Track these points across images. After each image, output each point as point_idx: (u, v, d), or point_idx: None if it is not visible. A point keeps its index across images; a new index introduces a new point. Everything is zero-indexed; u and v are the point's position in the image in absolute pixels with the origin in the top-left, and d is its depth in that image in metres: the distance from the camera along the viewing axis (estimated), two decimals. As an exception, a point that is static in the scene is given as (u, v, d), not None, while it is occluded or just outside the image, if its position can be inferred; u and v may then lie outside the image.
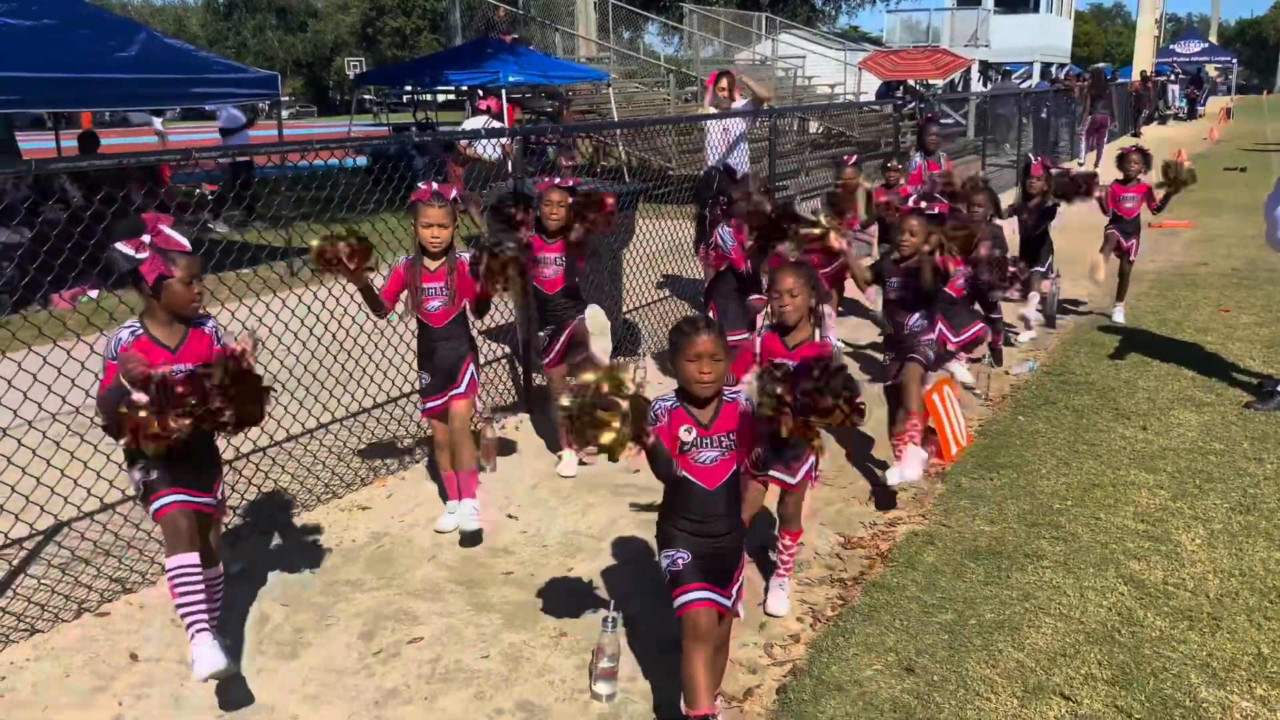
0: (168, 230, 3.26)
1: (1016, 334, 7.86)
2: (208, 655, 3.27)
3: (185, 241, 3.27)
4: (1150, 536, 4.57)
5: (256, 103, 15.09)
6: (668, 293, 9.04)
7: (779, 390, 2.88)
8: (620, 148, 17.94)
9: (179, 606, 3.30)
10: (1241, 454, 5.48)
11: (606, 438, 2.65)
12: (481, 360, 6.73)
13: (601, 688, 3.52)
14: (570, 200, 5.26)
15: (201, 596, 3.31)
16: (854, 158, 7.90)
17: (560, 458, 5.55)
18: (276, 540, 4.75)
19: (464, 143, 10.54)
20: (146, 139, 26.88)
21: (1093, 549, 4.47)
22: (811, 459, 3.95)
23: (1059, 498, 5.01)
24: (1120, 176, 8.12)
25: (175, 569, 3.30)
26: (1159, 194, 7.99)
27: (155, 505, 3.35)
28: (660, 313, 8.42)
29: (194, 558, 3.33)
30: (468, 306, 4.64)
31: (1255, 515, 4.75)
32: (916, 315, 5.12)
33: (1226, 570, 4.25)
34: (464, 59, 17.23)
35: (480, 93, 18.24)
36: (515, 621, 4.02)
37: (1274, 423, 5.91)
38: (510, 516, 4.97)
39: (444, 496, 4.95)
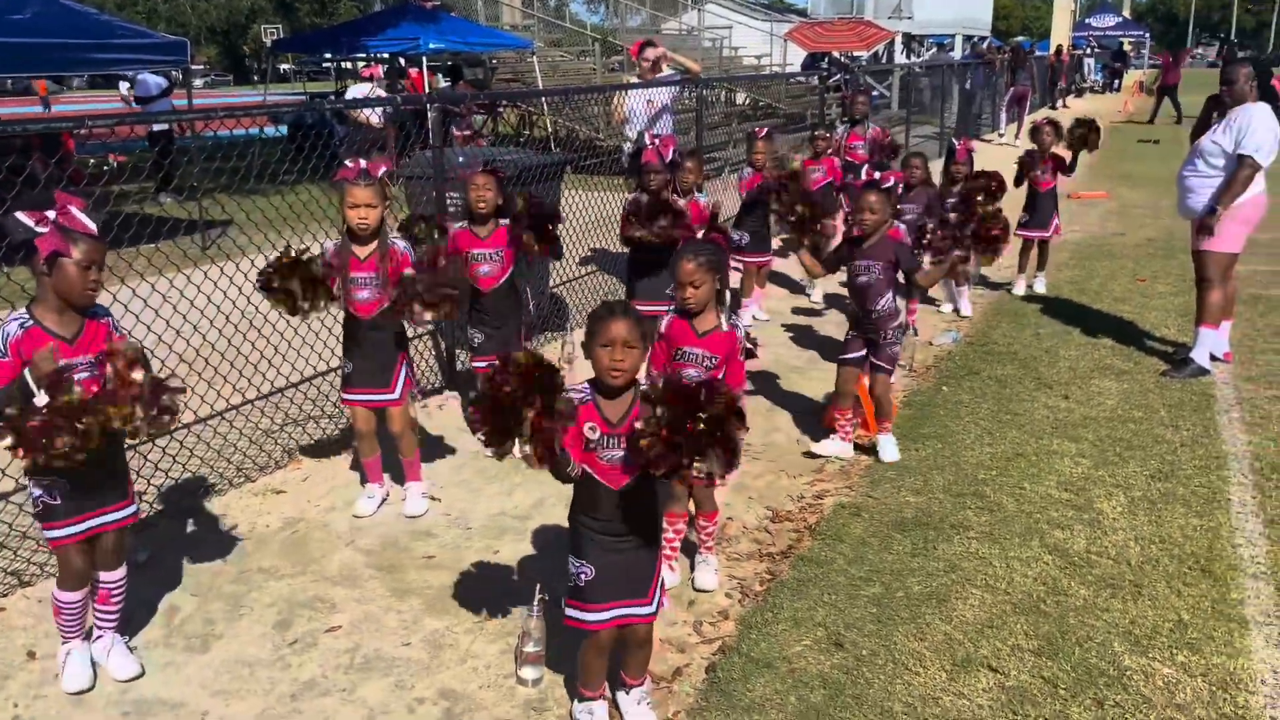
0: (76, 212, 3.08)
1: (938, 305, 7.96)
2: (76, 673, 3.37)
3: (92, 226, 3.09)
4: (1073, 505, 4.61)
5: (170, 70, 14.47)
6: (595, 267, 8.90)
7: (655, 423, 2.66)
8: (547, 117, 17.68)
9: (58, 627, 3.40)
10: (1159, 421, 5.57)
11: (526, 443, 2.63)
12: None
13: (527, 673, 3.42)
14: (497, 181, 4.97)
15: (79, 621, 3.38)
16: (765, 130, 7.71)
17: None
18: (186, 527, 4.54)
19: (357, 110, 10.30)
20: (51, 107, 25.76)
21: (1017, 519, 4.49)
22: None
23: (984, 468, 5.03)
24: (1033, 147, 8.19)
25: (62, 603, 3.34)
26: (1067, 154, 8.07)
27: (51, 535, 3.24)
28: (589, 287, 8.30)
29: (81, 594, 3.35)
30: None
31: (1173, 482, 4.82)
32: (885, 298, 4.95)
33: (1147, 537, 4.30)
34: (383, 25, 16.79)
35: (367, 60, 17.89)
36: (437, 607, 3.90)
37: (1190, 390, 6.03)
38: (432, 499, 4.83)
39: (363, 480, 4.78)
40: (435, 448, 5.38)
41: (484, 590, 3.99)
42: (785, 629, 3.70)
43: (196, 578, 4.12)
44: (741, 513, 4.64)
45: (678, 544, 4.03)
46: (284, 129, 16.85)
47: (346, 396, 4.54)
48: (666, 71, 8.78)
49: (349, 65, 24.57)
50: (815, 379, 6.35)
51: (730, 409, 2.67)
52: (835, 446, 5.17)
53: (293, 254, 4.18)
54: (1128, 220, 11.90)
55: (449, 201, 6.18)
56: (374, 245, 4.24)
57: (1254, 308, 7.79)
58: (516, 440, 2.66)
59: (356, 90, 15.70)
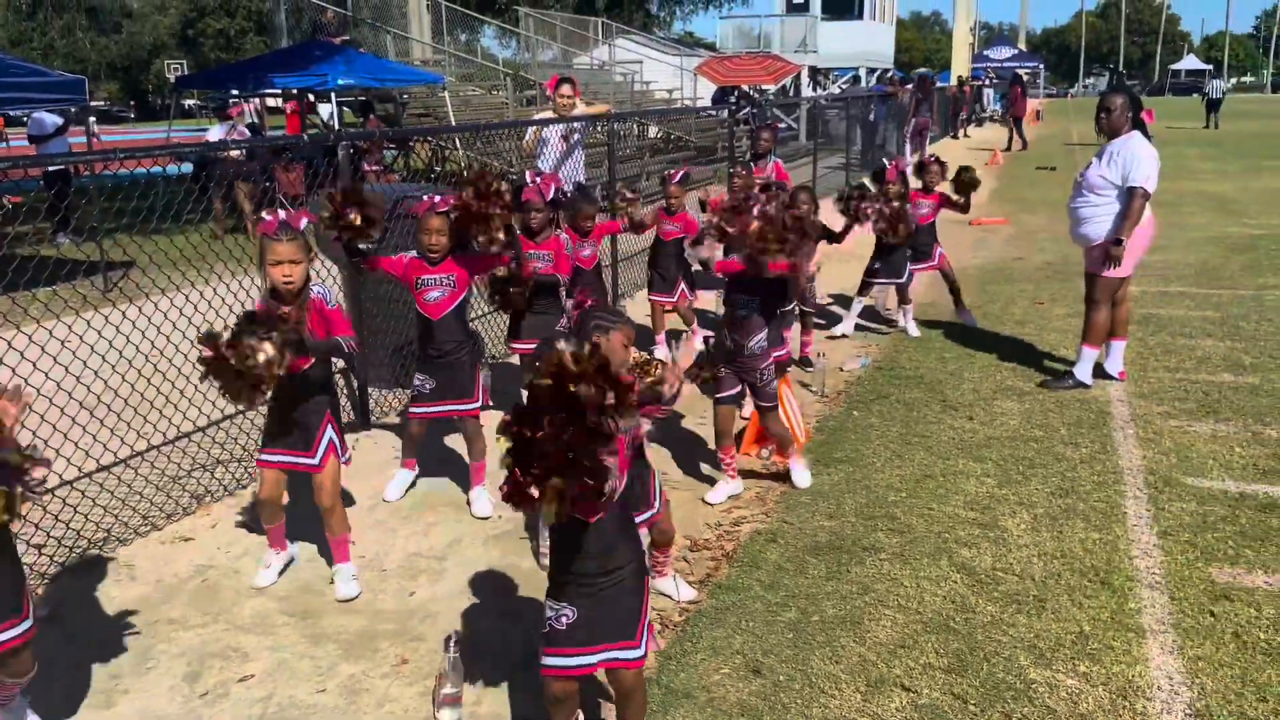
0: None
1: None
2: None
3: None
4: (979, 524, 4.75)
5: (67, 108, 14.08)
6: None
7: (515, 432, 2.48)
8: (460, 152, 17.65)
9: None
10: (1059, 439, 5.78)
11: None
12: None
13: (445, 715, 3.39)
14: (450, 221, 4.73)
15: None
16: (679, 174, 7.55)
17: (395, 476, 5.27)
18: (89, 579, 4.40)
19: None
20: (-60, 147, 24.87)
21: (927, 539, 4.61)
22: (657, 479, 3.91)
23: (894, 490, 5.16)
24: (919, 185, 8.22)
25: None
26: (957, 198, 8.08)
27: None
28: (502, 320, 8.28)
29: None
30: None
31: (1073, 498, 5.00)
32: (760, 335, 4.92)
33: (1050, 553, 4.45)
34: (291, 61, 16.59)
35: (234, 99, 17.72)
36: (353, 651, 3.84)
37: (1088, 409, 6.27)
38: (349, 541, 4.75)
39: (267, 543, 4.41)
40: (350, 487, 5.29)
41: (400, 632, 3.95)
42: (704, 658, 3.73)
43: (101, 631, 3.98)
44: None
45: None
46: (189, 167, 16.52)
47: (261, 457, 4.17)
48: (580, 109, 8.86)
49: (257, 102, 24.21)
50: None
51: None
52: (726, 489, 5.14)
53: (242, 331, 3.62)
54: (1027, 245, 12.34)
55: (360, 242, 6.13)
56: (297, 302, 3.98)
57: (1145, 327, 8.13)
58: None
59: (216, 131, 15.44)
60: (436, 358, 4.88)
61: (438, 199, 4.78)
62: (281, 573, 4.39)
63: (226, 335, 3.60)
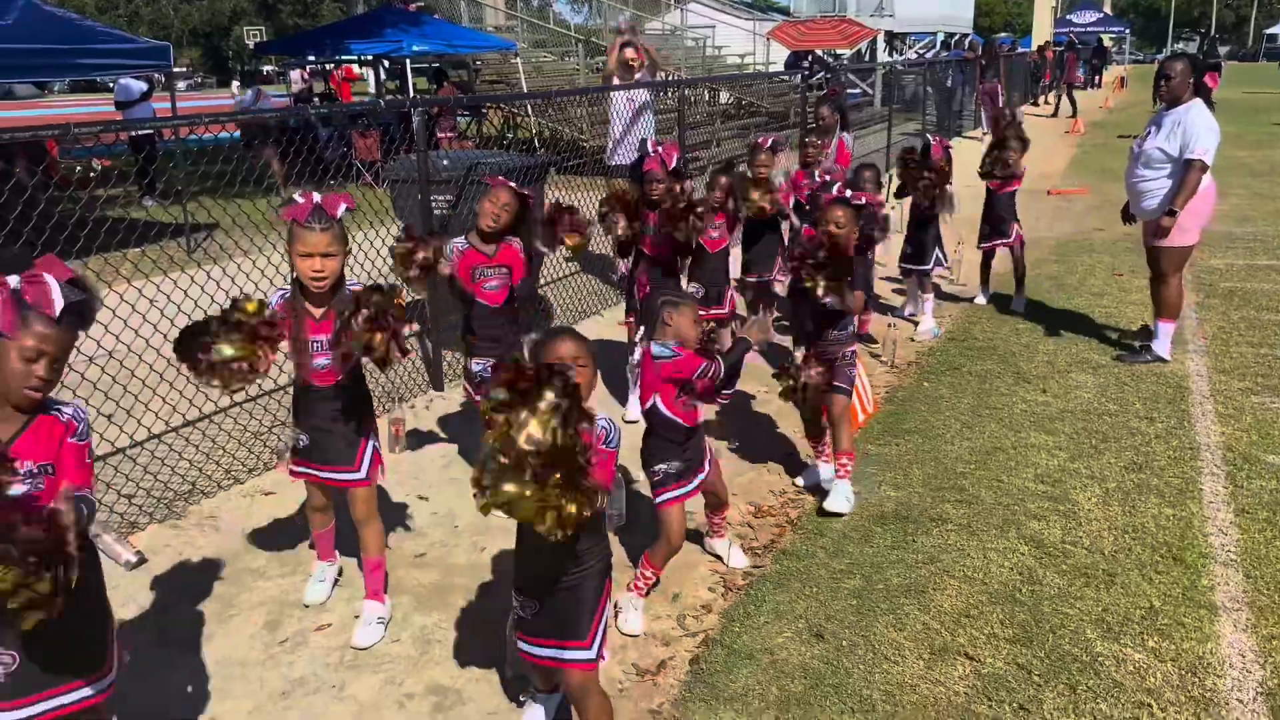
0: (50, 282, 2.37)
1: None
2: None
3: (58, 304, 2.37)
4: (1050, 497, 4.70)
5: (153, 74, 14.47)
6: (578, 267, 8.97)
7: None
8: (531, 119, 17.73)
9: None
10: (1135, 414, 5.67)
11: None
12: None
13: (516, 667, 3.48)
14: (516, 206, 4.59)
15: None
16: (770, 140, 6.95)
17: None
18: (175, 529, 4.59)
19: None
20: (32, 112, 25.69)
21: (995, 511, 4.58)
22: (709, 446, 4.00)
23: (963, 461, 5.12)
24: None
25: None
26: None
27: None
28: (574, 287, 8.36)
29: None
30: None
31: (1147, 473, 4.92)
32: (844, 319, 4.68)
33: (1121, 527, 4.40)
34: (366, 28, 16.81)
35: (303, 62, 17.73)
36: (426, 604, 3.97)
37: (1165, 384, 6.13)
38: (421, 498, 4.89)
39: (317, 553, 4.11)
40: (423, 446, 5.44)
41: (472, 586, 4.06)
42: (767, 621, 3.77)
43: (187, 580, 4.17)
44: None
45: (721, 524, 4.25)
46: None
47: (299, 470, 3.71)
48: (641, 72, 8.78)
49: (333, 67, 24.56)
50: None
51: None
52: (824, 472, 4.92)
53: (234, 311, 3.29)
54: (1107, 215, 11.99)
55: (434, 205, 6.24)
56: (331, 304, 3.45)
57: (1229, 301, 7.91)
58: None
59: (248, 98, 15.51)
60: (491, 344, 4.71)
61: (481, 156, 4.74)
62: (334, 586, 4.08)
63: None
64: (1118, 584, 3.95)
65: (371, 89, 24.33)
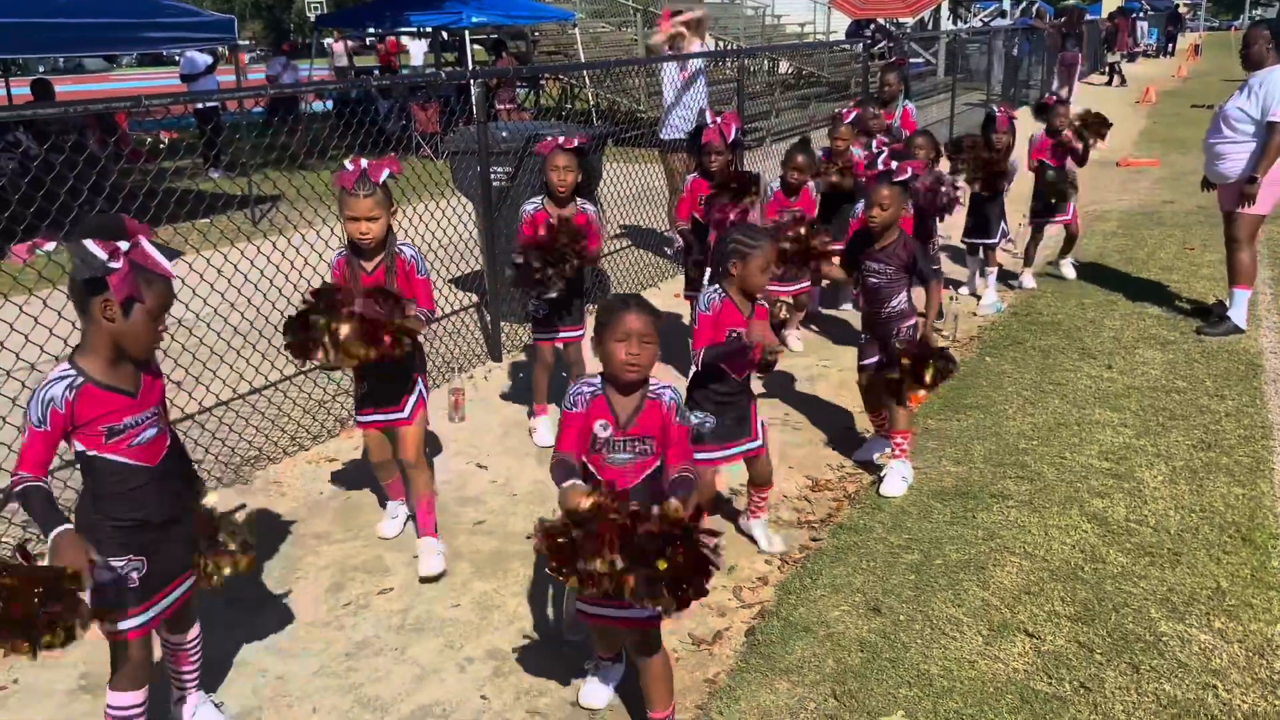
0: (148, 245, 2.53)
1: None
2: None
3: (166, 264, 2.56)
4: (1114, 474, 4.62)
5: (217, 47, 14.70)
6: (634, 241, 8.97)
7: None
8: (589, 90, 17.69)
9: None
10: (1204, 391, 5.54)
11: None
12: (450, 309, 6.70)
13: (574, 632, 3.53)
14: (576, 164, 4.74)
15: None
16: (852, 114, 6.92)
17: (533, 428, 5.27)
18: (242, 493, 4.71)
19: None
20: (100, 85, 26.24)
21: (1057, 488, 4.52)
22: (760, 419, 3.94)
23: (1025, 437, 5.05)
24: (1046, 128, 7.54)
25: (118, 711, 2.80)
26: (1077, 144, 7.43)
27: (121, 627, 2.69)
28: (630, 260, 8.37)
29: (142, 695, 2.81)
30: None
31: (1216, 452, 4.81)
32: (898, 298, 4.55)
33: (1187, 506, 4.31)
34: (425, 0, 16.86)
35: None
36: (485, 571, 4.03)
37: (1237, 361, 5.98)
38: (480, 466, 4.96)
39: (383, 501, 4.49)
40: (481, 416, 5.50)
41: (530, 554, 4.10)
42: (824, 595, 3.77)
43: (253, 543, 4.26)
44: (781, 481, 4.70)
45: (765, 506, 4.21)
46: (330, 104, 17.04)
47: (361, 419, 4.04)
48: (696, 43, 8.70)
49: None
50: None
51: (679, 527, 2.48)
52: (877, 447, 4.92)
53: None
54: (1178, 188, 11.69)
55: (493, 176, 6.27)
56: (380, 257, 3.80)
57: (1306, 276, 7.67)
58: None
59: (274, 67, 15.39)
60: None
61: (561, 139, 4.77)
62: (407, 522, 4.36)
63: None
64: (1183, 563, 3.87)
65: (415, 61, 24.46)
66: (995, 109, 7.31)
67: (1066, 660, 3.33)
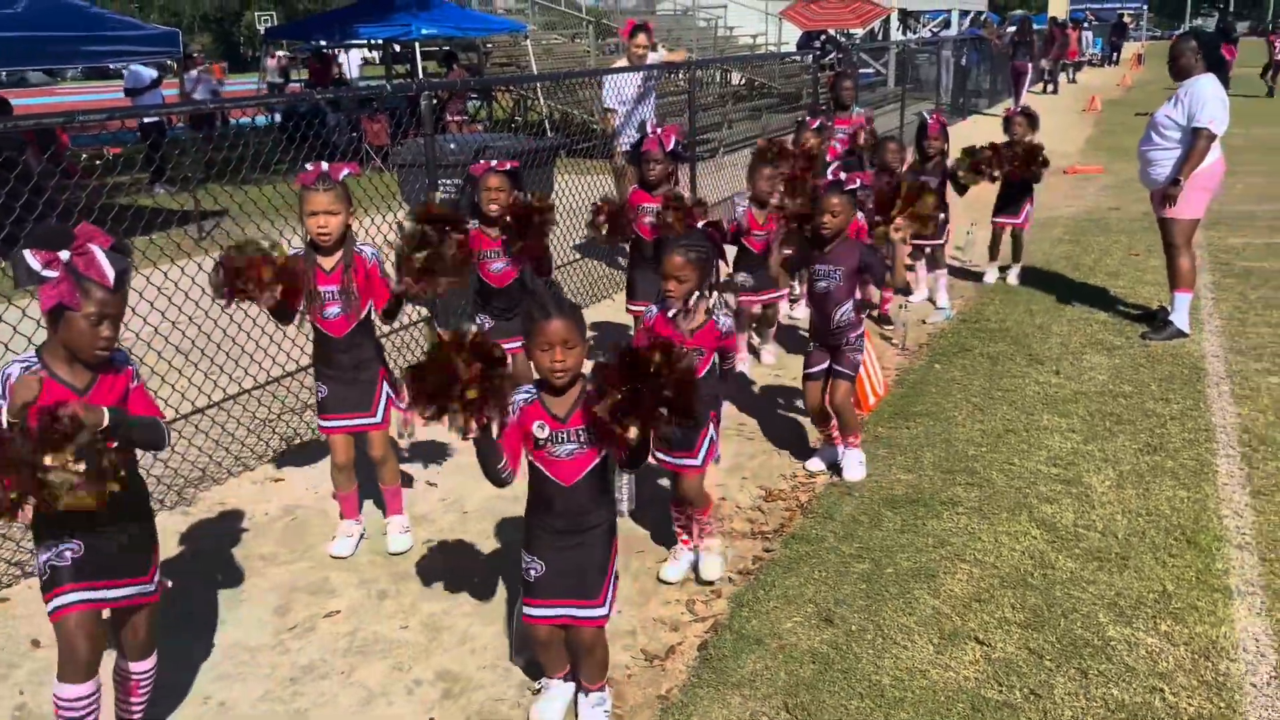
0: (98, 253, 2.60)
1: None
2: None
3: (110, 273, 2.61)
4: (1062, 480, 4.66)
5: (164, 60, 14.48)
6: (586, 253, 8.94)
7: (602, 383, 2.69)
8: (541, 101, 17.65)
9: None
10: (1150, 395, 5.62)
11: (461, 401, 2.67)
12: (399, 323, 6.62)
13: (522, 653, 3.48)
14: (510, 185, 4.73)
15: None
16: (817, 121, 7.09)
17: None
18: (185, 515, 4.60)
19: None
20: (44, 99, 25.75)
21: (1007, 494, 4.55)
22: (709, 436, 3.80)
23: (974, 444, 5.08)
24: (1006, 139, 7.66)
25: (63, 704, 2.76)
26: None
27: (52, 604, 2.73)
28: (583, 271, 8.34)
29: (87, 689, 2.77)
30: (373, 310, 3.99)
31: (1161, 455, 4.87)
32: (845, 306, 4.58)
33: (1134, 510, 4.35)
34: (375, 11, 16.78)
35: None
36: (435, 591, 3.96)
37: (1181, 365, 6.07)
38: (429, 484, 4.89)
39: (333, 522, 4.40)
40: (432, 433, 5.42)
41: (480, 573, 4.06)
42: (776, 606, 3.76)
43: (196, 565, 4.18)
44: (735, 492, 4.70)
45: (711, 529, 4.00)
46: (277, 117, 16.85)
47: (324, 424, 4.12)
48: (656, 55, 8.78)
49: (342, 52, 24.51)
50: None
51: (675, 366, 2.66)
52: (833, 455, 4.94)
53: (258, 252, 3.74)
54: (1124, 194, 11.89)
55: (441, 188, 6.22)
56: (339, 255, 3.89)
57: (1246, 281, 7.82)
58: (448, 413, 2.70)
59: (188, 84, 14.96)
60: (503, 311, 4.92)
61: (494, 162, 4.78)
62: (359, 542, 4.31)
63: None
64: (1131, 567, 3.91)
65: (350, 73, 24.30)
66: (927, 115, 7.48)
67: (1017, 667, 3.34)
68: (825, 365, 4.73)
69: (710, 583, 3.94)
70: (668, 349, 2.68)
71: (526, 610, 3.04)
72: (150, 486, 4.63)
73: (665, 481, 4.36)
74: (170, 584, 3.14)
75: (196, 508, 4.68)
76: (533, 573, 3.00)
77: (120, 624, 2.95)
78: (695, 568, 4.01)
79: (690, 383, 2.67)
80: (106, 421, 2.58)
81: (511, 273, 4.86)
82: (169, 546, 4.27)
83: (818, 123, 7.08)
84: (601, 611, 3.01)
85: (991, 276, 8.11)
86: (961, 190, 7.38)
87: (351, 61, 24.06)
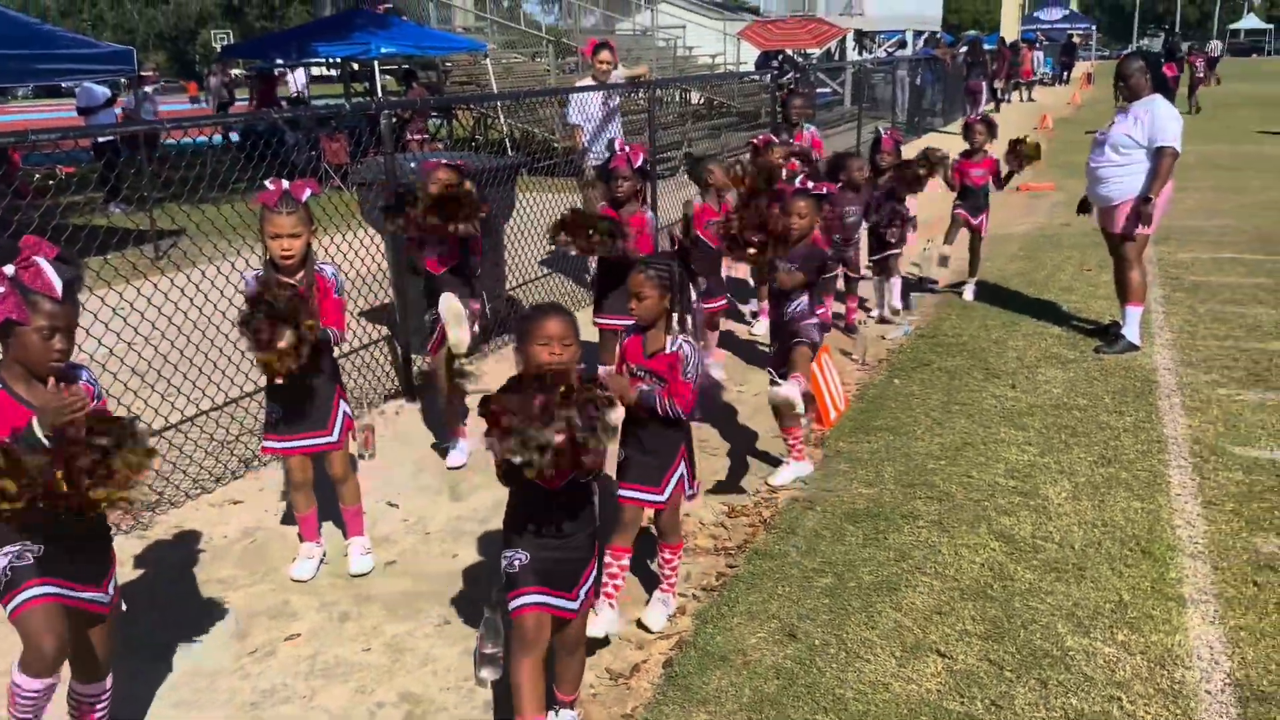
0: (44, 265, 2.59)
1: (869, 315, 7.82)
2: None
3: (57, 284, 2.60)
4: (1020, 492, 4.73)
5: (119, 78, 14.29)
6: (551, 270, 8.94)
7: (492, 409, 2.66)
8: (502, 120, 17.66)
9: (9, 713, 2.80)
10: (1104, 408, 5.72)
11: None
12: (359, 343, 6.58)
13: (486, 674, 3.44)
14: (459, 179, 4.85)
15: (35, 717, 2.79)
16: (766, 139, 7.23)
17: (448, 449, 5.31)
18: (142, 539, 4.53)
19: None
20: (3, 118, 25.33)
21: (966, 507, 4.60)
22: (678, 471, 3.67)
23: (933, 458, 5.14)
24: (966, 148, 7.98)
25: (20, 692, 2.74)
26: (1004, 169, 7.86)
27: (15, 601, 2.70)
28: (545, 289, 8.34)
29: (46, 684, 2.75)
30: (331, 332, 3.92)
31: (1116, 467, 4.96)
32: (799, 301, 4.78)
33: (1091, 521, 4.42)
34: (333, 30, 16.72)
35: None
36: (397, 612, 3.93)
37: (1134, 377, 6.19)
38: (391, 505, 4.86)
39: (293, 544, 4.35)
40: (394, 453, 5.40)
41: (443, 594, 4.03)
42: (740, 622, 3.77)
43: (154, 590, 4.11)
44: (698, 509, 4.70)
45: (621, 583, 3.70)
46: (235, 136, 16.70)
47: (272, 444, 4.04)
48: (619, 72, 8.84)
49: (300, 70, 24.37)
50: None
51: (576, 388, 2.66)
52: (793, 470, 4.98)
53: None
54: (1074, 210, 12.09)
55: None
56: (300, 275, 3.85)
57: (1195, 294, 7.99)
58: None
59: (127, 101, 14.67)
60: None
61: (444, 160, 4.97)
62: (320, 564, 4.26)
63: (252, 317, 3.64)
64: (1088, 578, 3.97)
65: (293, 90, 24.18)
66: (882, 131, 7.64)
67: (978, 679, 3.38)
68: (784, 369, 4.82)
69: (650, 630, 3.76)
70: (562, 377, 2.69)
71: (516, 602, 2.95)
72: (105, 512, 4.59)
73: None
74: (125, 607, 3.10)
75: (153, 531, 4.60)
76: (517, 563, 2.96)
77: (76, 640, 2.88)
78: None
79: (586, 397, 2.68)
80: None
81: (449, 260, 4.98)
82: (125, 571, 4.20)
83: (765, 141, 7.18)
84: (580, 605, 3.02)
85: (970, 293, 8.15)
86: (916, 186, 7.50)
87: (298, 80, 23.88)
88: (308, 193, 3.82)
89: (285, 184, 3.79)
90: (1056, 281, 8.67)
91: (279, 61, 19.61)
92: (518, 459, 2.64)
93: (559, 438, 2.62)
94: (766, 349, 5.30)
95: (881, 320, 7.63)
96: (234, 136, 13.52)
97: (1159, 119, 6.23)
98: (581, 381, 2.72)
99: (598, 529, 3.13)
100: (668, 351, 3.56)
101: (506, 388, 2.69)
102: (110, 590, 2.95)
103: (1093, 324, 7.31)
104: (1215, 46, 42.01)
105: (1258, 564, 4.03)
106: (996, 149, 8.04)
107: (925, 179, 7.45)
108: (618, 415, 2.74)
